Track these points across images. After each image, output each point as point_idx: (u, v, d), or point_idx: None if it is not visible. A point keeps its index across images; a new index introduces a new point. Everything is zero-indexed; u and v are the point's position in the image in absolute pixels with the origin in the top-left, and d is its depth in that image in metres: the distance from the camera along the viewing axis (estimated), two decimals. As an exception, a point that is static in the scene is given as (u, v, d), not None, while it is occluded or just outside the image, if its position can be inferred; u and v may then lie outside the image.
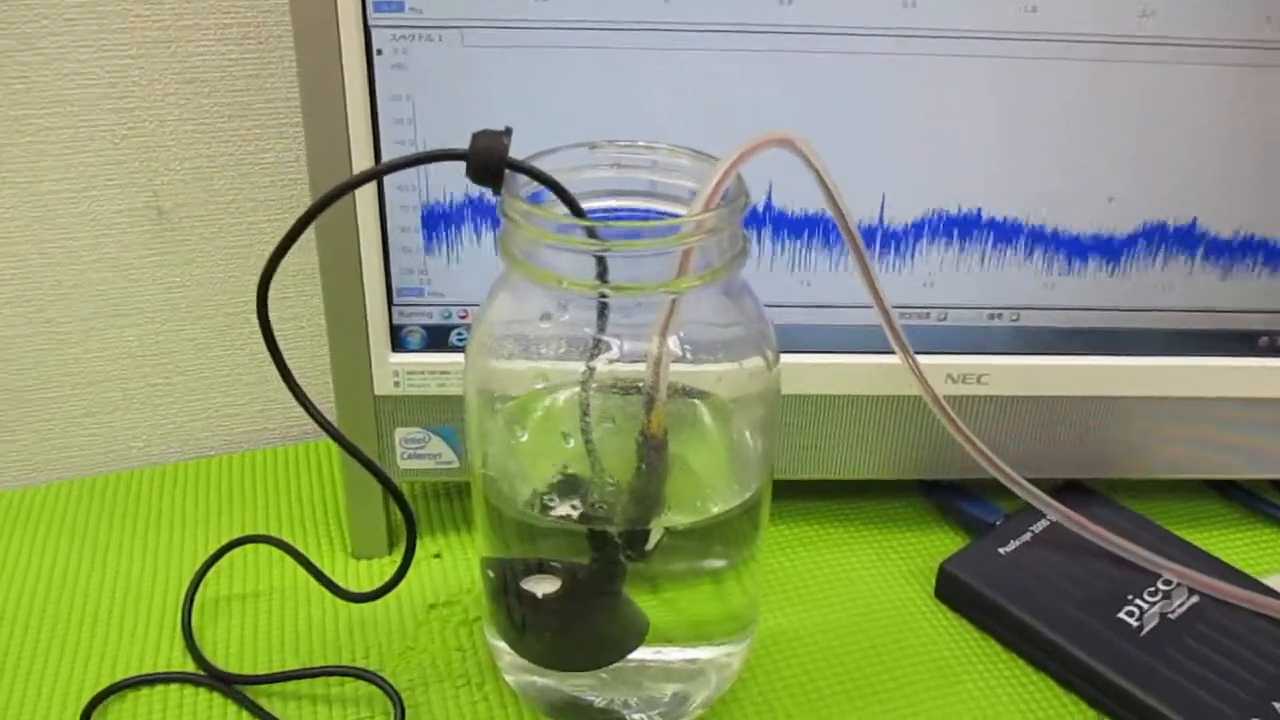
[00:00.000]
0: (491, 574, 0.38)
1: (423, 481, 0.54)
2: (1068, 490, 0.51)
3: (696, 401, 0.37)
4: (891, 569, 0.49)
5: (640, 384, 0.33)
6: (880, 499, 0.53)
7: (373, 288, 0.44)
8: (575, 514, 0.35)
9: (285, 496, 0.53)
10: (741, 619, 0.40)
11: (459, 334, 0.46)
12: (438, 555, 0.49)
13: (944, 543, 0.51)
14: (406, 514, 0.38)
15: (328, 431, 0.37)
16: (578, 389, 0.34)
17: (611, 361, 0.34)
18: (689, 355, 0.34)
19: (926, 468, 0.50)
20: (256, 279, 0.34)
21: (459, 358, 0.44)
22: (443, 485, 0.54)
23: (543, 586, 0.37)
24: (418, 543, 0.49)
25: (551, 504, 0.35)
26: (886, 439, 0.49)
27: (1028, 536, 0.48)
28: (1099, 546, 0.47)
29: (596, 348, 0.33)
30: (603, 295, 0.32)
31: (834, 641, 0.45)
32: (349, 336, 0.45)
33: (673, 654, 0.39)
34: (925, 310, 0.47)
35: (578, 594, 0.37)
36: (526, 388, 0.37)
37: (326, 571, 0.47)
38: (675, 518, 0.35)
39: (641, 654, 0.37)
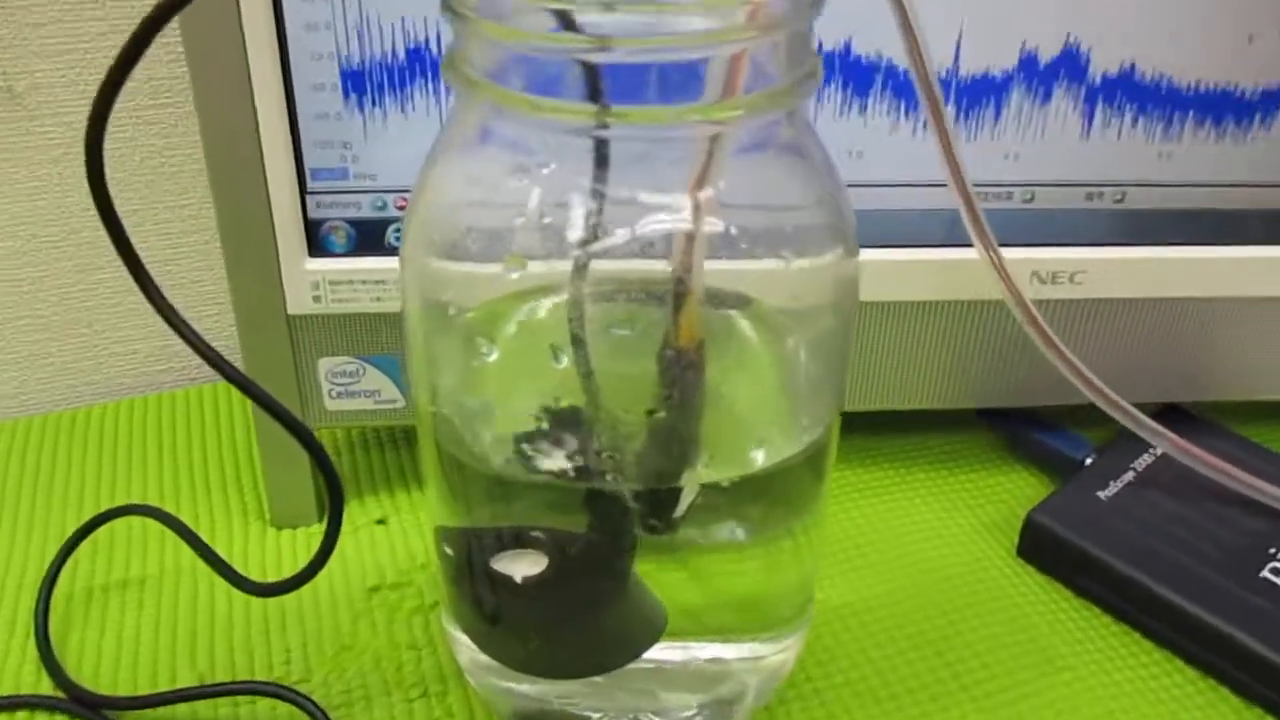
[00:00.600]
0: (450, 550, 0.28)
1: (360, 427, 0.43)
2: (1168, 417, 0.41)
3: (736, 314, 0.26)
4: (961, 521, 0.39)
5: (667, 271, 0.22)
6: (937, 433, 0.43)
7: (278, 171, 0.33)
8: (570, 467, 0.24)
9: (189, 452, 0.42)
10: (794, 603, 0.29)
11: (398, 229, 0.35)
12: (382, 521, 0.38)
13: (1019, 486, 0.41)
14: (329, 476, 0.27)
15: (212, 363, 0.26)
16: (569, 285, 0.23)
17: (618, 250, 0.23)
18: (733, 233, 0.23)
19: (998, 393, 0.40)
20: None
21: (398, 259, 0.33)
22: (386, 430, 0.43)
23: (522, 566, 0.26)
24: (356, 505, 0.39)
25: (536, 453, 0.25)
26: (953, 358, 0.39)
27: (1130, 476, 0.38)
28: (1222, 487, 0.37)
29: (596, 213, 0.22)
30: (601, 127, 0.21)
31: (901, 618, 0.35)
32: (249, 238, 0.33)
33: (701, 652, 0.29)
34: (1007, 189, 0.36)
35: (570, 576, 0.26)
36: (494, 288, 0.26)
37: (239, 547, 0.36)
38: (715, 471, 0.24)
39: (658, 653, 0.27)
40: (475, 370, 0.26)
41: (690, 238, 0.22)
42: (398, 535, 0.37)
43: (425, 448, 0.27)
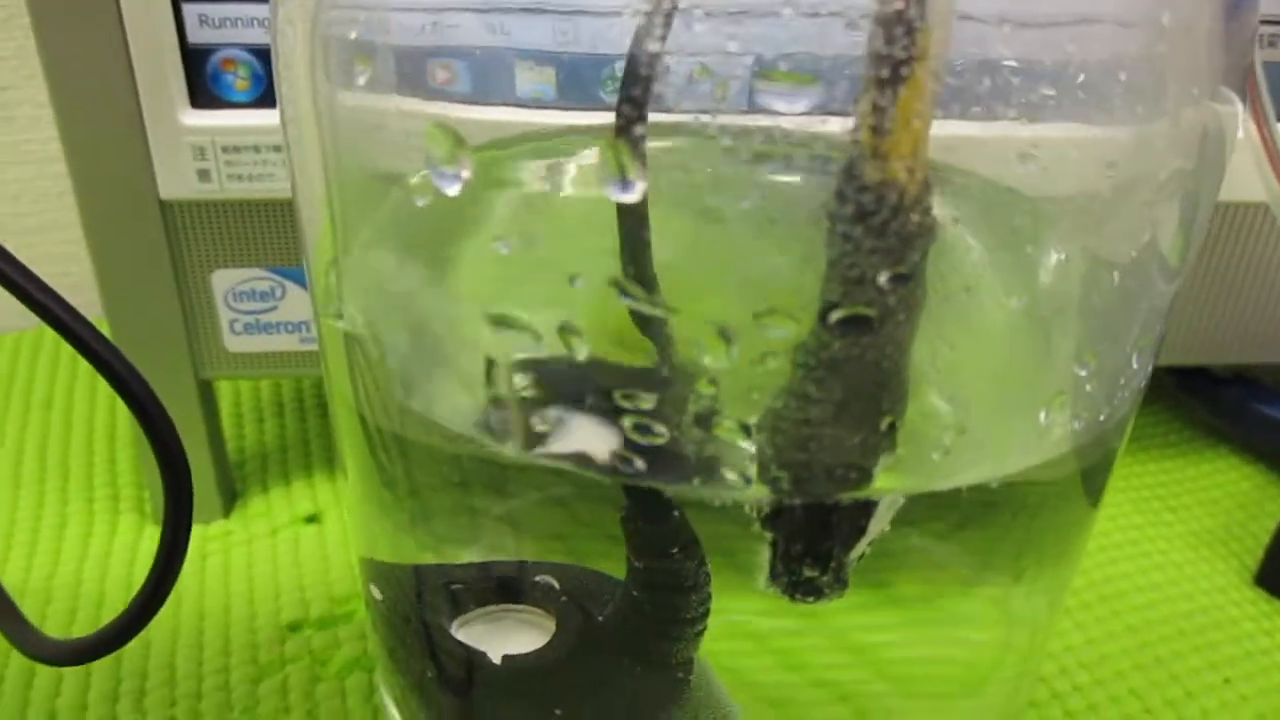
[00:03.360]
0: (381, 597, 0.15)
1: (281, 379, 0.30)
2: None
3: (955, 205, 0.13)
4: (1167, 533, 0.27)
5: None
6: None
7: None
8: (616, 450, 0.12)
9: (44, 416, 0.30)
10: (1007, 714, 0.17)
11: (328, 62, 0.22)
12: (313, 519, 0.26)
13: (1238, 482, 0.29)
14: (161, 453, 0.15)
15: (22, 296, 0.14)
16: (613, 124, 0.10)
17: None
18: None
19: (1212, 346, 0.28)
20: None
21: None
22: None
23: (507, 636, 0.14)
24: (279, 494, 0.27)
25: (544, 420, 0.12)
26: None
27: None
28: None
29: None
30: None
31: (1110, 686, 0.22)
32: (91, 79, 0.21)
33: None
34: (1272, 31, 0.24)
35: (592, 656, 0.14)
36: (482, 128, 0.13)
37: (98, 553, 0.24)
38: (908, 473, 0.12)
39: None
40: (440, 262, 0.14)
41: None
42: (336, 541, 0.25)
43: (342, 416, 0.15)
